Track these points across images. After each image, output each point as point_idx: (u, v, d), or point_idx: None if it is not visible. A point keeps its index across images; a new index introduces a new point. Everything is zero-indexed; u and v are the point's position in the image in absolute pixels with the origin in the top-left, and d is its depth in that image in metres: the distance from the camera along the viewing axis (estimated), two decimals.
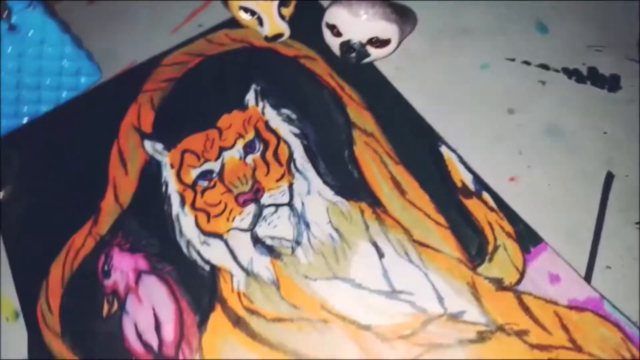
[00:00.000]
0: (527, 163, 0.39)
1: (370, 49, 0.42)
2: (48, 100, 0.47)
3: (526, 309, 0.33)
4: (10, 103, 0.46)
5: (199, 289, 0.37)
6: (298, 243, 0.37)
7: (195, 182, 0.41)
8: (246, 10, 0.45)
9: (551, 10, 0.46)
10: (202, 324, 0.36)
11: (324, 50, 0.45)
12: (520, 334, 0.32)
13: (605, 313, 0.32)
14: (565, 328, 0.32)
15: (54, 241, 0.42)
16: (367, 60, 0.43)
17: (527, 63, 0.43)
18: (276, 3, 0.45)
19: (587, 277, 0.34)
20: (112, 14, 0.53)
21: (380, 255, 0.36)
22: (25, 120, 0.48)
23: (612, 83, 0.41)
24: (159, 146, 0.43)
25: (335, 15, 0.42)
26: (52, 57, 0.46)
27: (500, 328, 0.32)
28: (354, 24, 0.41)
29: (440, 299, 0.34)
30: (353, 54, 0.42)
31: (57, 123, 0.48)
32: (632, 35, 0.43)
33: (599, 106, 0.41)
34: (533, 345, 0.32)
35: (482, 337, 0.32)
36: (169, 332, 0.36)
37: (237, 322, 0.36)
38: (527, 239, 0.35)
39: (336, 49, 0.43)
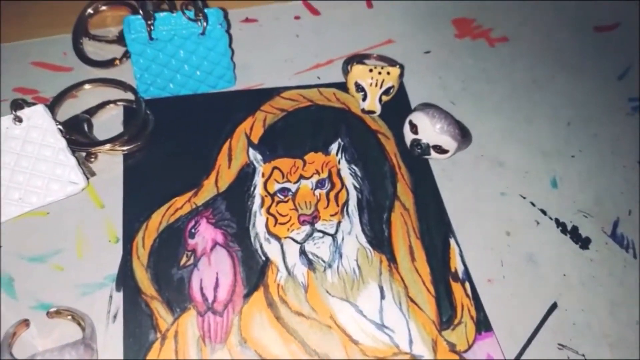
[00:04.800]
0: (503, 273, 0.53)
1: (432, 151, 0.56)
2: (190, 87, 0.59)
3: None
4: (165, 79, 0.58)
5: (253, 271, 0.50)
6: (330, 266, 0.51)
7: (275, 193, 0.54)
8: (358, 85, 0.59)
9: (566, 172, 0.60)
10: (247, 296, 0.49)
11: (398, 135, 0.59)
12: None
13: None
14: None
15: (161, 196, 0.53)
16: (425, 157, 0.58)
17: (532, 204, 0.57)
18: (381, 90, 0.59)
19: None
20: (256, 42, 0.65)
21: (382, 297, 0.50)
22: (167, 94, 0.59)
23: (584, 242, 0.55)
24: (259, 157, 0.56)
25: (419, 118, 0.56)
26: (212, 60, 0.57)
27: None
28: (429, 131, 0.55)
29: (411, 343, 0.48)
30: (419, 150, 0.56)
31: (189, 106, 0.60)
32: (612, 216, 0.57)
33: (568, 255, 0.54)
34: None
35: None
36: (223, 293, 0.48)
37: (271, 304, 0.49)
38: (482, 325, 0.49)
39: (408, 141, 0.57)
